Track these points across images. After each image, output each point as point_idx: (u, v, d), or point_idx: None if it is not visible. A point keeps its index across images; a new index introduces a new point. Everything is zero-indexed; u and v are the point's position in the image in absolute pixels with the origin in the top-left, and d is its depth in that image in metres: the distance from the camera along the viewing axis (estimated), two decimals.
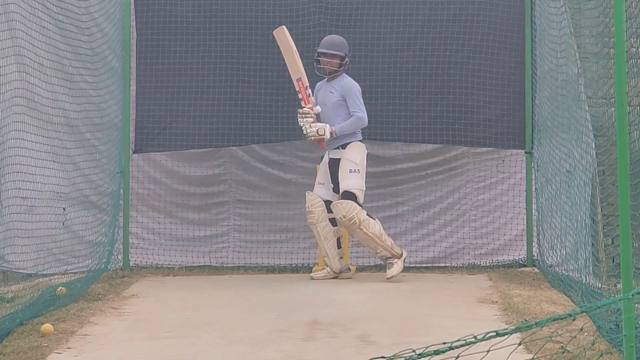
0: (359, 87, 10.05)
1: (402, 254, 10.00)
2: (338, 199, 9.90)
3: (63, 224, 9.04)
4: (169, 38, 10.96)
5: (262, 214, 11.24)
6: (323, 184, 10.07)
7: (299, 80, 10.00)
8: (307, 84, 9.99)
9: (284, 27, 10.14)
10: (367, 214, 9.90)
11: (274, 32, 10.17)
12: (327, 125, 9.92)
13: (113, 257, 10.50)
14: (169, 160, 11.26)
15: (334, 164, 10.00)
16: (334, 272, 10.05)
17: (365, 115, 9.93)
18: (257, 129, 10.93)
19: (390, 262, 9.96)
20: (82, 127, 9.98)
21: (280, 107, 10.85)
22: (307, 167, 11.03)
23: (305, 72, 10.01)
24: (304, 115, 9.94)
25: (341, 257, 10.13)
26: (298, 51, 10.07)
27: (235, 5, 10.95)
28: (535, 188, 10.68)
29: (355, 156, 9.93)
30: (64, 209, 9.02)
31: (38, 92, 8.86)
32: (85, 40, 10.01)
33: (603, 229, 8.06)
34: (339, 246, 10.11)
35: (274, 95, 10.88)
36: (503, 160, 11.08)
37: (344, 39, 10.15)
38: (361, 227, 9.78)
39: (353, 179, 9.87)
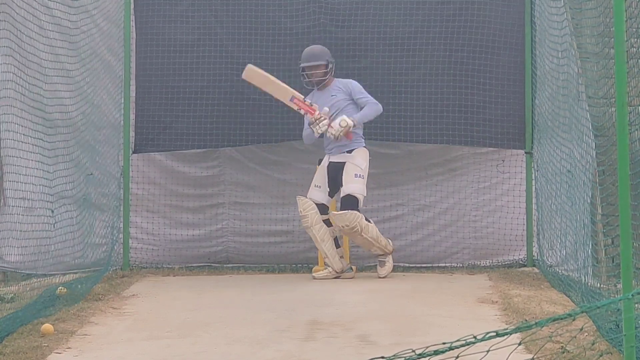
0: None
1: (392, 250, 10.09)
2: (338, 202, 9.90)
3: (54, 225, 9.04)
4: (169, 38, 10.96)
5: (260, 215, 11.21)
6: (319, 187, 10.07)
7: (293, 98, 9.98)
8: (302, 96, 9.99)
9: (248, 65, 10.13)
10: (366, 219, 9.91)
11: (243, 77, 10.16)
12: (344, 115, 9.90)
13: (113, 257, 10.50)
14: (166, 162, 11.24)
15: (335, 168, 9.98)
16: (336, 271, 10.05)
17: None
18: (256, 129, 10.92)
19: (382, 260, 10.06)
20: (81, 127, 9.97)
21: (279, 107, 10.83)
22: (305, 168, 11.01)
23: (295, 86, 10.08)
24: (317, 122, 9.90)
25: (341, 257, 10.12)
26: (278, 71, 10.24)
27: (235, 5, 10.95)
28: (535, 188, 10.67)
29: (360, 161, 9.95)
30: (52, 211, 9.01)
31: (37, 91, 8.84)
32: (82, 39, 10.00)
33: (603, 229, 8.06)
34: (338, 245, 10.10)
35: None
36: (503, 161, 11.07)
37: (323, 47, 10.21)
38: (362, 234, 9.84)
39: (357, 184, 9.89)
